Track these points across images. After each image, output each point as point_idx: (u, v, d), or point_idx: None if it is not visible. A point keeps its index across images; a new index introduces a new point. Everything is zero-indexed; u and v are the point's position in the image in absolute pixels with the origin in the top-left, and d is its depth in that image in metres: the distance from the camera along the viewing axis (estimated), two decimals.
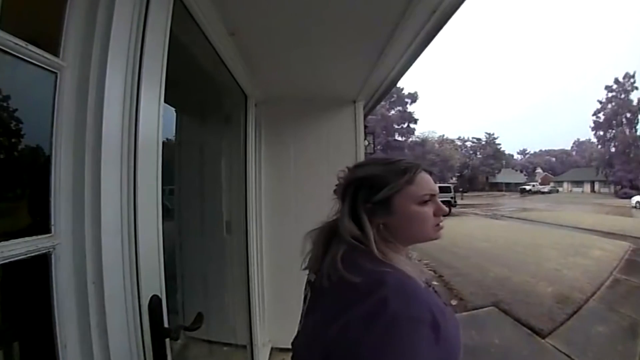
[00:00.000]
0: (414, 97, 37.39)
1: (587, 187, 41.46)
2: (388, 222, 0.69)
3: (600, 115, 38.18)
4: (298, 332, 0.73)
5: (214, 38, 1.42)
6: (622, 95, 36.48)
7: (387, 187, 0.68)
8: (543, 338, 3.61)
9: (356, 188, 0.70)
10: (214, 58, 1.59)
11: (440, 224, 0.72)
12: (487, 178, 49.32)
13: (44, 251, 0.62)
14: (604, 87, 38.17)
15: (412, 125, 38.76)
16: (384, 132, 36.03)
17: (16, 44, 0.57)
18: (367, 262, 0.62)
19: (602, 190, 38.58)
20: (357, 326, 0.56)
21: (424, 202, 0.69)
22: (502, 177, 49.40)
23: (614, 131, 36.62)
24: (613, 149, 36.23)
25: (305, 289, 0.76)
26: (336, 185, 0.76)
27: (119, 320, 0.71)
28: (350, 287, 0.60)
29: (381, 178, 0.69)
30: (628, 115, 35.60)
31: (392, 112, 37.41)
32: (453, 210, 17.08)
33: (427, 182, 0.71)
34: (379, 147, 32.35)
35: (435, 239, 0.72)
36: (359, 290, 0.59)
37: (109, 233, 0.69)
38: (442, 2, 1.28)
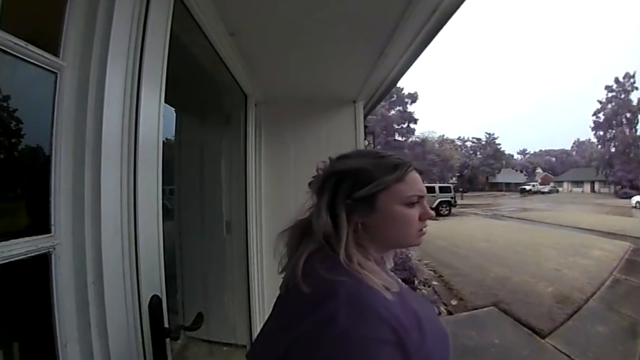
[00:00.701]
0: (414, 97, 37.37)
1: (587, 187, 41.45)
2: (368, 222, 0.62)
3: (600, 115, 38.17)
4: (255, 338, 0.66)
5: (214, 38, 1.42)
6: (622, 95, 36.47)
7: (374, 182, 0.61)
8: (543, 338, 3.61)
9: (338, 181, 0.63)
10: (214, 58, 1.59)
11: (424, 229, 0.66)
12: (487, 178, 49.32)
13: (44, 251, 0.62)
14: (604, 87, 38.25)
15: (412, 125, 38.74)
16: (384, 132, 36.01)
17: (16, 44, 0.57)
18: (323, 269, 0.56)
19: (602, 190, 38.57)
20: (304, 345, 0.51)
21: (411, 204, 0.63)
22: (502, 177, 49.39)
23: (614, 131, 36.61)
24: (613, 149, 36.23)
25: None
26: (313, 177, 0.69)
27: (119, 320, 0.71)
28: (301, 298, 0.55)
29: (368, 172, 0.62)
30: (628, 115, 35.58)
31: (392, 112, 37.38)
32: (453, 210, 17.08)
33: (417, 182, 0.65)
34: (379, 147, 32.34)
35: (416, 244, 0.67)
36: (307, 303, 0.54)
37: (109, 233, 0.69)
38: (442, 2, 1.28)
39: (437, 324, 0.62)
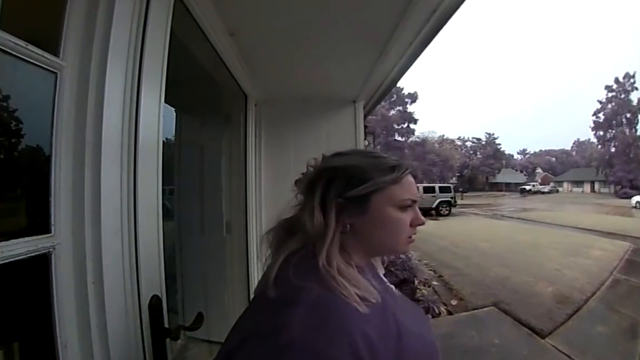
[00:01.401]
0: (414, 97, 37.40)
1: (587, 187, 41.43)
2: (357, 224, 0.59)
3: (600, 115, 38.18)
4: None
5: (214, 38, 1.42)
6: (622, 95, 36.48)
7: (370, 182, 0.58)
8: (543, 338, 3.61)
9: (330, 178, 0.60)
10: (214, 58, 1.59)
11: (413, 236, 0.63)
12: (487, 178, 49.35)
13: (44, 251, 0.61)
14: (604, 87, 38.26)
15: (412, 126, 38.78)
16: (384, 132, 36.02)
17: (16, 44, 0.57)
18: (295, 273, 0.53)
19: (602, 190, 38.55)
20: (251, 345, 0.48)
21: (404, 208, 0.61)
22: (502, 177, 49.41)
23: (614, 131, 36.63)
24: (613, 149, 36.23)
25: None
26: (302, 174, 0.66)
27: (119, 320, 0.71)
28: (266, 302, 0.53)
29: (363, 171, 0.59)
30: (628, 115, 35.60)
31: (392, 112, 37.40)
32: (453, 210, 17.08)
33: (412, 186, 0.63)
34: (378, 147, 32.33)
35: (404, 252, 0.65)
36: (269, 308, 0.51)
37: (109, 233, 0.69)
38: (442, 2, 1.28)
39: (425, 341, 0.58)
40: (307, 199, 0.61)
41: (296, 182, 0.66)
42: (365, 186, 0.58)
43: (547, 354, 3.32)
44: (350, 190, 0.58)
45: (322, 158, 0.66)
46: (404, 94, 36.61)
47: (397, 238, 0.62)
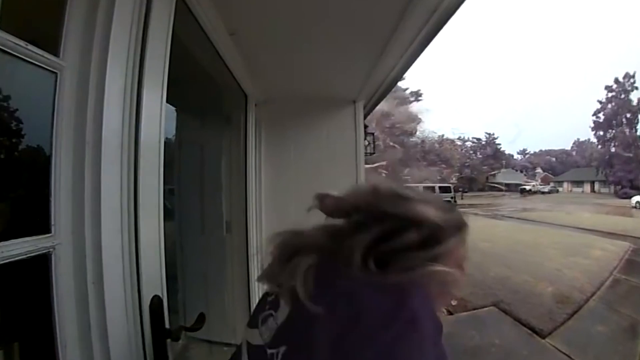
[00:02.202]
0: (416, 97, 37.43)
1: (587, 187, 41.41)
2: None
3: (600, 115, 38.16)
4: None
5: (214, 38, 1.42)
6: (622, 95, 36.45)
7: (443, 245, 0.47)
8: (543, 338, 3.62)
9: (397, 229, 0.46)
10: (214, 58, 1.59)
11: None
12: (487, 178, 49.32)
13: (44, 251, 0.61)
14: (604, 87, 38.25)
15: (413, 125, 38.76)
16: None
17: (16, 44, 0.57)
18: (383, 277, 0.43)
19: (602, 190, 38.52)
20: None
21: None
22: (502, 177, 49.36)
23: (614, 131, 36.62)
24: (613, 149, 36.23)
25: (270, 299, 0.55)
26: (339, 195, 0.53)
27: (120, 320, 0.71)
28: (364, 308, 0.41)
29: (441, 230, 0.47)
30: (628, 115, 35.58)
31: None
32: None
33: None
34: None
35: None
36: (379, 315, 0.40)
37: (109, 233, 0.69)
38: (442, 2, 1.28)
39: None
40: (349, 233, 0.48)
41: (322, 198, 0.54)
42: (439, 247, 0.47)
43: (547, 353, 3.32)
44: (429, 252, 0.46)
45: (373, 189, 0.51)
46: (406, 93, 36.62)
47: None
